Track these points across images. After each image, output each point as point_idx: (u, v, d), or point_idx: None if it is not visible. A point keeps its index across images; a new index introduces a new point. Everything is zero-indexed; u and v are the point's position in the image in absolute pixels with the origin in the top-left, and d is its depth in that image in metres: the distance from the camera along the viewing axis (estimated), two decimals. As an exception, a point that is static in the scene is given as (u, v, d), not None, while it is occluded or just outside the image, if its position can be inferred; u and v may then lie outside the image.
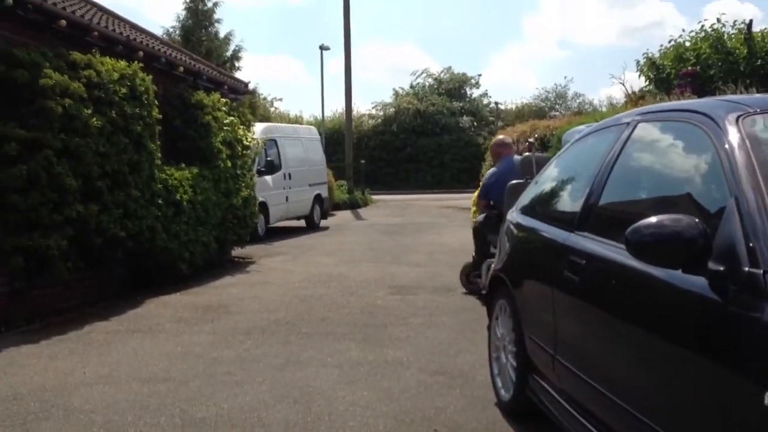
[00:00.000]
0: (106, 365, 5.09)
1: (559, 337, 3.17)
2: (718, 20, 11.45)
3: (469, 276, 7.90)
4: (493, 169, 7.74)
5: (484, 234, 7.34)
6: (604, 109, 28.76)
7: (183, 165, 9.39)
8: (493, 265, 4.47)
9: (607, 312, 2.72)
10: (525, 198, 4.36)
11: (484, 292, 6.35)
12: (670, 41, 12.42)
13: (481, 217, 7.52)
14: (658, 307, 2.35)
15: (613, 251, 2.67)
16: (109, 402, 4.26)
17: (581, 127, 4.71)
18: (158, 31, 24.59)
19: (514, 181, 6.18)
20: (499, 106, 41.97)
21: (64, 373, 4.90)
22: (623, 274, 2.58)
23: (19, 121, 6.31)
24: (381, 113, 39.30)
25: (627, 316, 2.55)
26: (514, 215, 4.36)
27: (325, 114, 34.77)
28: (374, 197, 27.02)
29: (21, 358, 5.29)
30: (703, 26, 11.84)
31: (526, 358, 3.65)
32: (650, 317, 2.39)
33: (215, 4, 28.69)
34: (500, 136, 8.14)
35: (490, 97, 42.44)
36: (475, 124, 38.97)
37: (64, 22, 7.10)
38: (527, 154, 6.84)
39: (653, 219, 2.20)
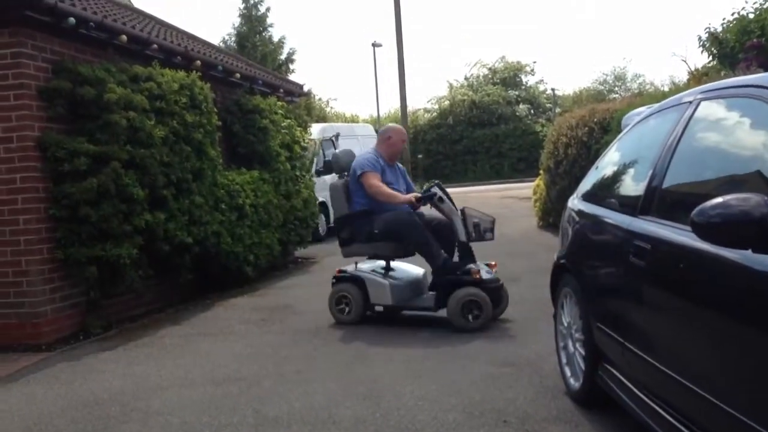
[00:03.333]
0: (180, 368, 5.25)
1: (628, 323, 3.11)
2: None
3: None
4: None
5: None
6: (665, 89, 27.95)
7: (243, 169, 9.58)
8: (555, 255, 4.42)
9: (677, 296, 2.65)
10: (586, 184, 4.29)
11: None
12: (732, 14, 11.93)
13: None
14: (729, 289, 2.29)
15: (680, 234, 2.60)
16: (185, 404, 4.40)
17: (641, 109, 4.59)
18: (215, 40, 25.16)
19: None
20: (556, 92, 41.24)
21: (141, 377, 5.08)
22: (691, 258, 2.52)
23: (87, 136, 6.54)
24: (436, 107, 39.15)
25: (697, 300, 2.49)
26: (575, 202, 4.29)
27: (381, 111, 34.96)
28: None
29: (100, 365, 5.50)
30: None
31: (594, 346, 3.60)
32: (721, 300, 2.32)
33: (268, 9, 29.16)
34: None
35: (547, 83, 41.78)
36: (532, 111, 38.42)
37: (124, 38, 7.30)
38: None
39: (720, 199, 2.14)
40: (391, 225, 6.17)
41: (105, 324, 6.79)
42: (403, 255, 6.47)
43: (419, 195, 6.37)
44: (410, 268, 6.70)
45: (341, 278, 6.56)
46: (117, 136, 6.65)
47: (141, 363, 5.49)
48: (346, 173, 6.65)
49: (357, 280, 6.41)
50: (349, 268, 6.65)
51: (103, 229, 6.47)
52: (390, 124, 7.16)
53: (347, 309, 6.40)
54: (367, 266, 6.61)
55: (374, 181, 6.27)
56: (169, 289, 7.98)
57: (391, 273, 6.46)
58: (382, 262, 6.56)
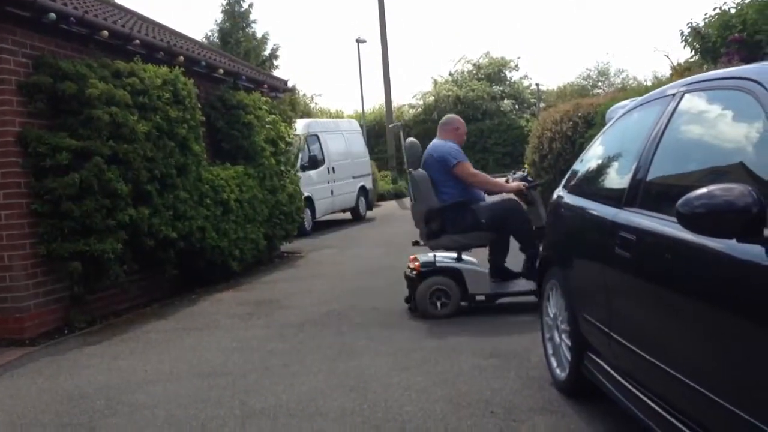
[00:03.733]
0: (166, 362, 5.23)
1: (614, 313, 3.14)
2: (764, -16, 11.04)
3: None
4: None
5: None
6: (648, 84, 28.15)
7: (228, 165, 9.55)
8: (541, 246, 4.44)
9: (662, 286, 2.68)
10: (571, 176, 4.32)
11: None
12: (714, 9, 12.02)
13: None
14: (713, 279, 2.31)
15: (665, 225, 2.63)
16: (171, 397, 4.38)
17: (625, 102, 4.62)
18: (197, 36, 25.02)
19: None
20: (540, 87, 41.39)
21: (127, 371, 5.05)
22: (676, 248, 2.54)
23: (68, 131, 6.50)
24: (421, 102, 39.18)
25: (682, 290, 2.51)
26: (560, 194, 4.32)
27: (366, 107, 34.85)
28: (418, 186, 26.98)
29: (85, 359, 5.47)
30: (747, -9, 11.44)
31: (580, 336, 3.63)
32: (706, 289, 2.35)
33: (251, 5, 28.97)
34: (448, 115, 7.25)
35: (531, 79, 41.90)
36: (517, 107, 38.54)
37: (106, 33, 7.27)
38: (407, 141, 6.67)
39: (704, 189, 2.16)
40: (501, 213, 6.12)
41: (89, 319, 6.75)
42: (487, 245, 6.36)
43: (526, 183, 6.35)
44: (472, 258, 6.48)
45: (430, 272, 6.14)
46: (99, 131, 6.63)
47: (126, 357, 5.46)
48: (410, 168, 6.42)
49: (452, 271, 6.12)
50: (431, 259, 6.29)
51: (86, 224, 6.44)
52: (450, 115, 6.95)
53: (443, 302, 6.08)
54: (443, 257, 6.36)
55: (474, 170, 6.26)
56: (154, 284, 7.95)
57: (473, 262, 6.33)
58: (453, 254, 6.34)
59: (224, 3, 28.64)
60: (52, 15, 6.45)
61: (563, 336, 3.92)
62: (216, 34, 28.32)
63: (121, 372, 5.04)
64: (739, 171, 2.41)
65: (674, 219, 2.30)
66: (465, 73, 40.78)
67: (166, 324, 6.66)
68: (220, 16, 28.72)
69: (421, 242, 6.46)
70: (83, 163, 6.44)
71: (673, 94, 3.16)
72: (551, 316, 4.15)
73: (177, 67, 8.32)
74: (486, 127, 36.73)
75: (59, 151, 6.30)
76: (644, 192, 3.04)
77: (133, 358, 5.44)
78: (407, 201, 22.11)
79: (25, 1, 6.12)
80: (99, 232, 6.54)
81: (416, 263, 6.30)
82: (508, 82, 40.41)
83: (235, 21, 28.34)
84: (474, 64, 40.88)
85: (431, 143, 6.53)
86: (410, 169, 6.49)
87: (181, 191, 7.87)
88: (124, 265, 6.91)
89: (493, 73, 40.10)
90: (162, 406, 4.23)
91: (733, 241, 2.14)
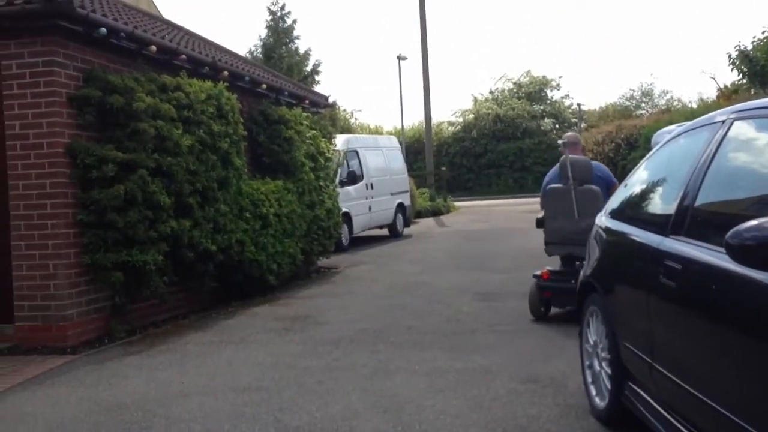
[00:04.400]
0: (203, 376, 5.27)
1: (656, 343, 3.07)
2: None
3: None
4: (554, 167, 7.24)
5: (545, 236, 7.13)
6: (693, 106, 27.68)
7: (268, 179, 9.64)
8: (582, 271, 4.38)
9: (708, 319, 2.61)
10: (614, 201, 4.26)
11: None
12: (763, 32, 11.82)
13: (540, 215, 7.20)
14: (761, 313, 2.25)
15: (712, 255, 2.57)
16: (207, 412, 4.41)
17: (671, 127, 4.56)
18: (241, 51, 25.42)
19: (554, 186, 6.75)
20: (582, 107, 41.02)
21: (165, 383, 5.10)
22: (724, 279, 2.48)
23: (115, 144, 6.63)
24: (460, 120, 39.15)
25: (729, 323, 2.45)
26: (603, 219, 4.25)
27: (405, 124, 34.98)
28: (456, 204, 26.92)
29: (124, 369, 5.55)
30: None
31: (621, 365, 3.55)
32: (754, 323, 2.28)
33: (295, 21, 29.39)
34: (568, 134, 7.89)
35: (572, 98, 41.59)
36: (557, 126, 38.25)
37: (154, 48, 7.42)
38: (563, 156, 6.75)
39: (754, 222, 2.12)
40: None
41: (129, 329, 6.85)
42: None
43: None
44: None
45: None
46: (144, 144, 6.75)
47: (164, 369, 5.52)
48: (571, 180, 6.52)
49: None
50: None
51: (129, 235, 6.55)
52: (571, 133, 7.24)
53: None
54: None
55: None
56: (193, 296, 8.03)
57: None
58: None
59: (268, 19, 29.15)
60: (103, 30, 6.61)
61: (603, 364, 3.84)
62: (260, 49, 28.79)
63: (159, 384, 5.09)
64: (790, 202, 2.35)
65: (722, 249, 2.25)
66: (506, 91, 40.69)
67: (204, 336, 6.73)
68: (264, 32, 29.22)
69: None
70: (128, 175, 6.56)
71: (723, 121, 3.10)
72: (591, 343, 4.08)
73: (221, 81, 8.46)
74: (525, 145, 36.55)
75: (106, 163, 6.42)
76: (691, 220, 2.98)
77: (171, 369, 5.50)
78: (445, 219, 22.07)
79: (78, 16, 6.28)
80: (141, 243, 6.64)
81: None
82: (548, 101, 40.18)
83: (279, 37, 28.77)
84: (515, 83, 40.77)
85: (582, 160, 6.71)
86: (575, 185, 6.51)
87: (221, 204, 7.97)
88: (164, 276, 7.00)
89: (534, 92, 39.92)
90: (198, 420, 4.26)
91: (784, 276, 2.08)
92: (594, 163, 6.75)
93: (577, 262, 6.49)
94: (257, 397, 4.67)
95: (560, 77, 47.14)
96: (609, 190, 6.38)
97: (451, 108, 54.84)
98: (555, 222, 6.70)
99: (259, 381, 5.06)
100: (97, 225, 6.46)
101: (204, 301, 8.20)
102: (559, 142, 7.16)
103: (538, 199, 7.13)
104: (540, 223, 6.99)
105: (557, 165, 7.00)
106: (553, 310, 6.88)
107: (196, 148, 7.49)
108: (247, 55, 26.23)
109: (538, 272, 6.81)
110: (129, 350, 6.20)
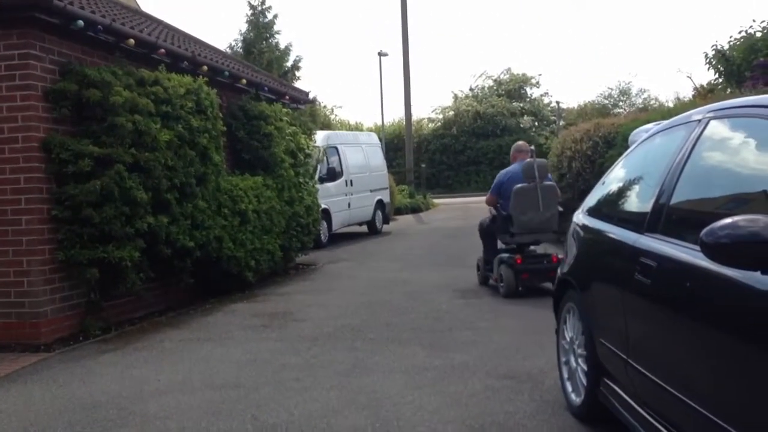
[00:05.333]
0: (179, 373, 5.23)
1: (632, 340, 3.10)
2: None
3: (481, 270, 8.82)
4: (507, 169, 8.53)
5: (492, 231, 8.45)
6: (670, 105, 27.96)
7: (247, 175, 9.58)
8: (559, 268, 4.40)
9: (682, 315, 2.63)
10: (591, 199, 4.28)
11: (495, 283, 8.09)
12: (740, 32, 11.95)
13: (488, 217, 8.62)
14: (735, 310, 2.27)
15: (687, 253, 2.59)
16: (183, 409, 4.38)
17: (648, 125, 4.58)
18: (221, 45, 25.23)
19: (519, 185, 7.85)
20: (561, 105, 41.26)
21: (140, 381, 5.05)
22: (698, 277, 2.50)
23: (91, 138, 6.55)
24: (440, 117, 39.21)
25: (703, 319, 2.47)
26: (580, 217, 4.28)
27: (386, 120, 34.97)
28: (436, 201, 26.99)
29: (98, 367, 5.48)
30: (773, 15, 11.36)
31: (597, 361, 3.58)
32: (727, 320, 2.31)
33: (275, 16, 29.17)
34: (519, 142, 9.29)
35: (551, 96, 41.80)
36: (537, 124, 38.46)
37: (132, 41, 7.33)
38: (529, 160, 8.01)
39: (729, 219, 2.13)
40: None
41: (104, 326, 6.78)
42: None
43: None
44: None
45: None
46: (122, 138, 6.67)
47: (139, 366, 5.46)
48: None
49: None
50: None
51: (105, 231, 6.47)
52: (521, 141, 9.24)
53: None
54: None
55: None
56: (169, 293, 7.97)
57: None
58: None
59: (249, 13, 28.91)
60: (80, 22, 6.51)
61: (579, 360, 3.87)
62: (240, 44, 28.54)
63: (135, 381, 5.04)
64: (763, 201, 2.38)
65: (697, 247, 2.27)
66: (485, 88, 40.82)
67: (181, 333, 6.67)
68: (244, 26, 28.97)
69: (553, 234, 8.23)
70: (105, 170, 6.48)
71: (699, 120, 3.13)
72: (568, 339, 4.10)
73: (201, 76, 8.38)
74: (505, 143, 36.58)
75: (82, 158, 6.34)
76: (666, 218, 3.00)
77: (146, 367, 5.45)
78: (424, 216, 22.08)
79: (55, 8, 6.18)
80: (117, 239, 6.57)
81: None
82: (528, 99, 40.37)
83: (259, 31, 28.55)
84: (495, 80, 40.91)
85: (541, 162, 8.21)
86: (540, 183, 7.87)
87: (199, 200, 7.91)
88: (141, 273, 6.93)
89: (514, 89, 40.09)
90: (174, 417, 4.23)
91: (758, 273, 2.10)
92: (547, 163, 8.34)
93: (532, 247, 8.24)
94: (234, 394, 4.64)
95: (540, 75, 47.60)
96: (556, 187, 8.23)
97: (432, 105, 54.92)
98: (524, 216, 7.85)
99: (237, 378, 5.03)
100: (73, 221, 6.39)
101: (181, 298, 8.15)
102: (516, 147, 8.85)
103: None
104: (497, 219, 8.27)
105: (513, 166, 8.41)
106: (531, 306, 6.92)
107: (174, 144, 7.41)
108: (228, 49, 26.02)
109: (504, 256, 8.01)
110: (104, 348, 6.14)
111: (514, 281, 7.77)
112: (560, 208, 8.02)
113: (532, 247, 8.26)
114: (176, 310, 7.83)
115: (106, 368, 5.43)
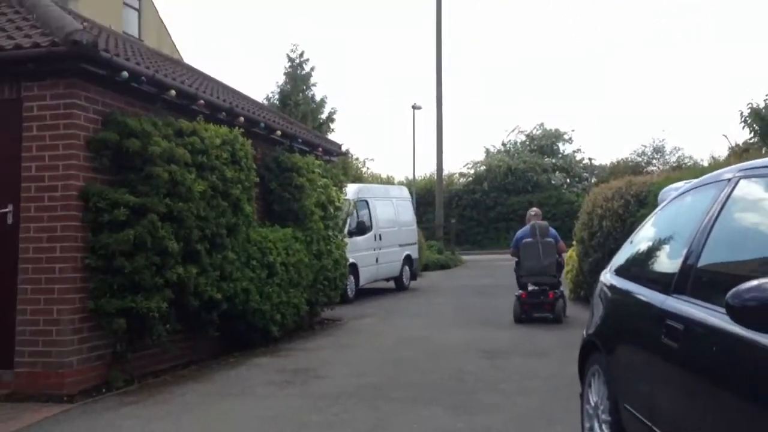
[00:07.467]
0: (199, 429, 5.18)
1: (657, 406, 2.99)
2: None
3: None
4: (523, 228, 11.30)
5: (517, 273, 11.03)
6: (705, 164, 27.70)
7: (277, 226, 9.61)
8: (585, 330, 4.31)
9: (709, 381, 2.55)
10: (620, 258, 4.21)
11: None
12: (774, 91, 11.86)
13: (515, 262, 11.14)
14: (763, 376, 2.19)
15: (714, 316, 2.52)
16: (201, 464, 4.31)
17: (678, 184, 4.52)
18: (259, 97, 25.74)
19: (526, 240, 10.71)
20: (593, 161, 41.07)
21: (160, 434, 5.01)
22: (725, 341, 2.43)
23: (128, 188, 6.62)
24: (472, 171, 39.24)
25: (730, 386, 2.39)
26: (607, 276, 4.20)
27: (417, 174, 35.15)
28: (464, 257, 26.79)
29: (119, 420, 5.45)
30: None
31: (620, 427, 3.46)
32: (755, 387, 2.22)
33: (312, 69, 29.69)
34: (533, 208, 12.47)
35: (584, 152, 41.66)
36: (568, 180, 38.26)
37: (173, 92, 7.46)
38: (533, 222, 11.02)
39: (755, 282, 2.08)
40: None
41: (128, 378, 6.71)
42: None
43: None
44: None
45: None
46: (157, 188, 6.71)
47: (159, 420, 5.43)
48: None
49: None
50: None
51: (135, 281, 6.48)
52: (535, 208, 12.28)
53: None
54: None
55: None
56: (194, 345, 7.91)
57: None
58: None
59: (287, 65, 29.42)
60: (125, 73, 6.64)
61: (604, 427, 3.75)
62: (277, 96, 29.02)
63: (154, 434, 5.00)
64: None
65: (724, 310, 2.20)
66: (518, 143, 40.78)
67: (203, 387, 6.63)
68: (282, 78, 29.47)
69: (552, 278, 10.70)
70: (139, 219, 6.51)
71: (729, 179, 3.08)
72: (592, 404, 3.98)
73: (237, 127, 8.50)
74: (536, 199, 36.41)
75: (118, 207, 6.37)
76: (694, 279, 2.94)
77: (166, 420, 5.41)
78: (452, 272, 21.84)
79: (101, 59, 6.30)
80: (147, 289, 6.57)
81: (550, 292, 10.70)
82: (560, 155, 40.21)
83: (296, 83, 29.00)
84: (527, 135, 40.90)
85: (543, 224, 11.08)
86: (541, 239, 10.68)
87: (229, 252, 7.91)
88: (167, 324, 6.91)
89: (546, 145, 39.98)
90: (191, 472, 4.17)
91: (786, 339, 2.03)
92: (546, 225, 11.09)
93: (537, 287, 10.77)
94: (253, 450, 4.57)
95: (573, 131, 47.21)
96: (558, 243, 10.84)
97: (464, 159, 54.94)
98: (528, 262, 10.67)
99: (257, 434, 4.96)
100: (105, 270, 6.41)
101: (205, 351, 8.08)
102: (529, 212, 11.91)
103: None
104: (516, 265, 11.05)
105: (526, 226, 11.12)
106: (558, 369, 6.77)
107: (207, 194, 7.46)
108: (264, 101, 26.50)
109: (518, 293, 10.81)
110: (126, 400, 6.11)
111: (519, 311, 10.58)
112: (560, 258, 10.87)
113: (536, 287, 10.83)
114: (200, 363, 7.77)
115: (126, 421, 5.40)
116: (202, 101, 8.07)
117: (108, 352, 6.60)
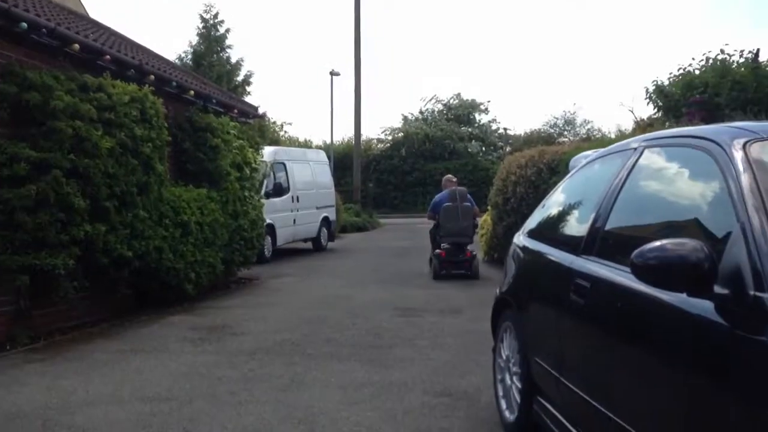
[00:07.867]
0: (109, 384, 5.08)
1: (565, 358, 3.16)
2: (722, 51, 11.45)
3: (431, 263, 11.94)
4: (440, 193, 12.16)
5: (434, 234, 11.82)
6: (612, 136, 28.78)
7: (191, 186, 9.44)
8: (498, 288, 4.47)
9: (612, 335, 2.70)
10: (532, 222, 4.36)
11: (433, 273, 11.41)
12: (679, 69, 12.41)
13: (433, 225, 11.89)
14: (663, 331, 2.34)
15: (619, 274, 2.66)
16: (111, 421, 4.25)
17: (588, 152, 4.71)
18: (170, 56, 24.87)
19: (446, 204, 11.40)
20: (508, 131, 42.01)
21: (68, 391, 4.89)
22: (628, 297, 2.57)
23: (29, 142, 6.37)
24: (389, 138, 39.42)
25: (632, 339, 2.54)
26: (520, 238, 4.35)
27: (335, 139, 34.98)
28: (382, 220, 27.05)
29: (25, 377, 5.28)
30: (707, 57, 11.84)
31: (531, 379, 3.63)
32: (655, 340, 2.38)
33: (227, 31, 28.99)
34: (448, 175, 13.34)
35: (499, 122, 42.49)
36: (484, 149, 39.02)
37: (77, 46, 7.20)
38: (453, 188, 11.82)
39: (658, 242, 2.20)
40: None
41: (33, 335, 6.54)
42: None
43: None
44: None
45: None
46: (61, 144, 6.51)
47: (68, 377, 5.29)
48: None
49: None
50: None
51: (38, 238, 6.28)
52: (449, 174, 13.45)
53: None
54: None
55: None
56: (104, 303, 7.75)
57: None
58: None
59: (200, 26, 28.65)
60: (24, 24, 6.36)
61: (514, 378, 3.92)
62: (190, 56, 28.22)
63: (62, 392, 4.88)
64: (693, 227, 2.47)
65: (628, 269, 2.33)
66: (435, 112, 41.22)
67: (113, 345, 6.49)
68: (195, 39, 28.69)
69: (469, 239, 11.50)
70: (41, 175, 6.30)
71: (635, 148, 3.23)
72: (504, 358, 4.16)
73: (147, 85, 8.25)
74: (452, 166, 36.95)
75: (18, 161, 6.16)
76: (601, 241, 3.08)
77: (75, 378, 5.28)
78: (369, 235, 22.02)
79: (-1, 9, 6.03)
80: (51, 246, 6.38)
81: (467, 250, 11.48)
82: (476, 125, 40.93)
83: (210, 45, 28.30)
84: (444, 104, 41.37)
85: (462, 189, 11.92)
86: (461, 203, 11.43)
87: (140, 210, 7.74)
88: (74, 281, 6.73)
89: (463, 114, 40.60)
90: (102, 429, 4.10)
91: (684, 295, 2.18)
92: (464, 191, 11.90)
93: (448, 245, 11.44)
94: (166, 407, 4.54)
95: (488, 102, 48.16)
96: (474, 207, 11.71)
97: (381, 125, 54.96)
98: (448, 224, 11.30)
99: (169, 391, 4.92)
100: (5, 226, 6.18)
101: (116, 309, 7.92)
102: (445, 179, 12.85)
103: None
104: (435, 227, 11.81)
105: (444, 191, 11.95)
106: (471, 326, 6.99)
107: (116, 151, 7.25)
108: (176, 60, 25.68)
109: (437, 252, 11.49)
110: (31, 357, 5.92)
111: (439, 268, 11.30)
112: (476, 222, 11.93)
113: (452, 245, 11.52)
114: (110, 321, 7.61)
115: (33, 378, 5.24)
116: (108, 57, 7.80)
117: (10, 309, 6.38)
